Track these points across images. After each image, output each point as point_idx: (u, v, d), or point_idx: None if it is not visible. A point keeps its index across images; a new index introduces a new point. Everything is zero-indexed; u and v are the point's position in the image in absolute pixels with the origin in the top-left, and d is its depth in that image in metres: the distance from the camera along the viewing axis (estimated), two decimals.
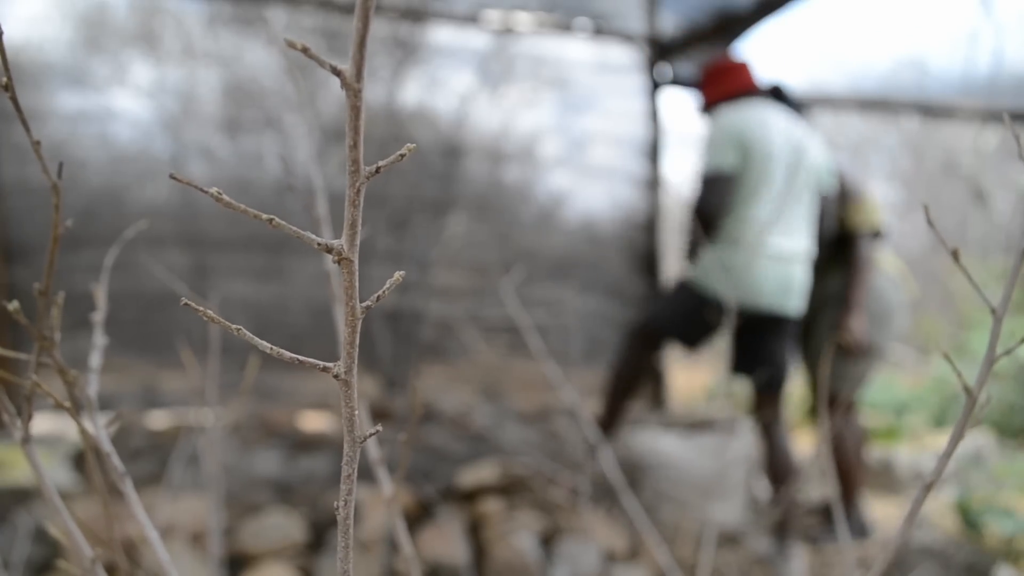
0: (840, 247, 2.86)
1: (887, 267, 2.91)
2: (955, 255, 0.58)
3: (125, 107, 3.57)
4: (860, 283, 2.74)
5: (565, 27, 4.14)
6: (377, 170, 0.33)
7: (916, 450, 3.81)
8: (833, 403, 2.82)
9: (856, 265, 2.75)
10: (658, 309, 2.97)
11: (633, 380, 2.86)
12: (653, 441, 3.02)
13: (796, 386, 4.06)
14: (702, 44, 4.01)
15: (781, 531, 2.66)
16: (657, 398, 4.22)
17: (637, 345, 2.91)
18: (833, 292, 2.85)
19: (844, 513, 2.79)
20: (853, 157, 7.43)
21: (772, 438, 2.73)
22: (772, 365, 2.69)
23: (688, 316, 2.81)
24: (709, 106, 2.83)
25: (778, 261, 2.66)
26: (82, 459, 2.82)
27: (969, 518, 2.73)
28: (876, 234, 2.86)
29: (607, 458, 1.55)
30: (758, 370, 2.70)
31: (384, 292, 0.36)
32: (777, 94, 2.86)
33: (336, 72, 0.29)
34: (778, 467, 2.73)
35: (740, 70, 2.81)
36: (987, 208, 6.11)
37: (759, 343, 2.74)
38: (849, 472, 2.82)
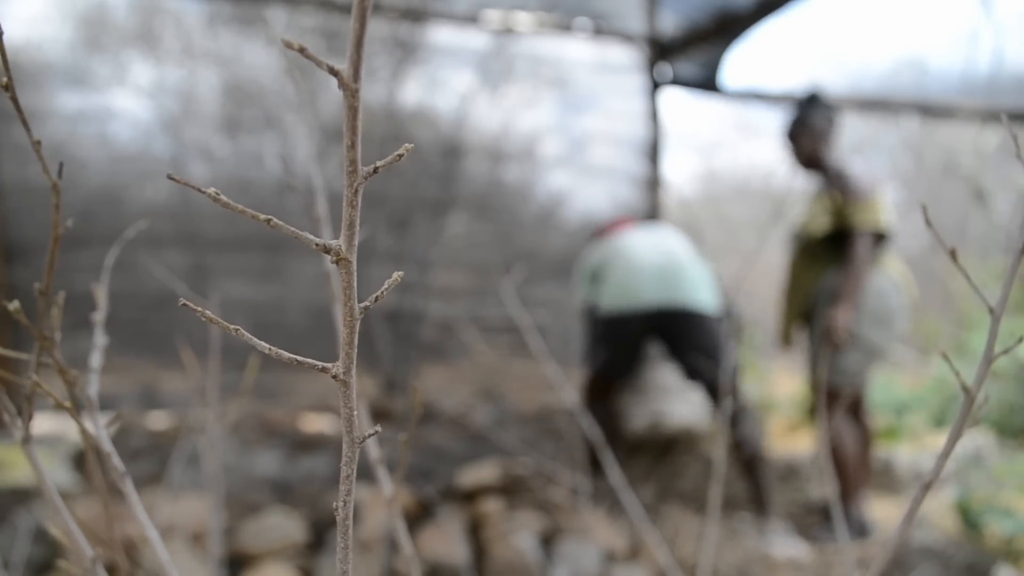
0: (841, 244, 2.86)
1: (891, 270, 2.91)
2: (953, 255, 0.58)
3: (125, 107, 3.57)
4: (850, 278, 2.75)
5: (565, 27, 4.14)
6: (375, 170, 0.33)
7: (916, 450, 3.81)
8: (833, 400, 2.82)
9: (849, 260, 2.76)
10: (585, 355, 3.13)
11: (607, 432, 2.90)
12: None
13: (798, 385, 4.06)
14: (702, 44, 4.01)
15: (760, 511, 2.82)
16: None
17: (587, 399, 3.03)
18: (831, 289, 2.85)
19: (843, 512, 2.79)
20: (853, 157, 7.41)
21: (738, 427, 2.81)
22: (704, 362, 2.78)
23: (603, 340, 2.96)
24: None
25: (652, 256, 2.89)
26: (82, 459, 2.83)
27: (969, 518, 2.73)
28: (881, 235, 2.86)
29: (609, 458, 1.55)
30: (697, 371, 2.81)
31: (383, 292, 0.36)
32: (813, 99, 3.04)
33: (333, 72, 0.29)
34: (745, 454, 2.83)
35: (620, 223, 3.25)
36: (987, 208, 6.11)
37: (678, 344, 2.85)
38: (848, 470, 2.81)
